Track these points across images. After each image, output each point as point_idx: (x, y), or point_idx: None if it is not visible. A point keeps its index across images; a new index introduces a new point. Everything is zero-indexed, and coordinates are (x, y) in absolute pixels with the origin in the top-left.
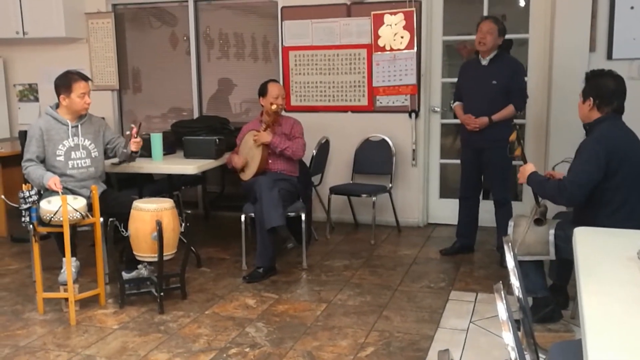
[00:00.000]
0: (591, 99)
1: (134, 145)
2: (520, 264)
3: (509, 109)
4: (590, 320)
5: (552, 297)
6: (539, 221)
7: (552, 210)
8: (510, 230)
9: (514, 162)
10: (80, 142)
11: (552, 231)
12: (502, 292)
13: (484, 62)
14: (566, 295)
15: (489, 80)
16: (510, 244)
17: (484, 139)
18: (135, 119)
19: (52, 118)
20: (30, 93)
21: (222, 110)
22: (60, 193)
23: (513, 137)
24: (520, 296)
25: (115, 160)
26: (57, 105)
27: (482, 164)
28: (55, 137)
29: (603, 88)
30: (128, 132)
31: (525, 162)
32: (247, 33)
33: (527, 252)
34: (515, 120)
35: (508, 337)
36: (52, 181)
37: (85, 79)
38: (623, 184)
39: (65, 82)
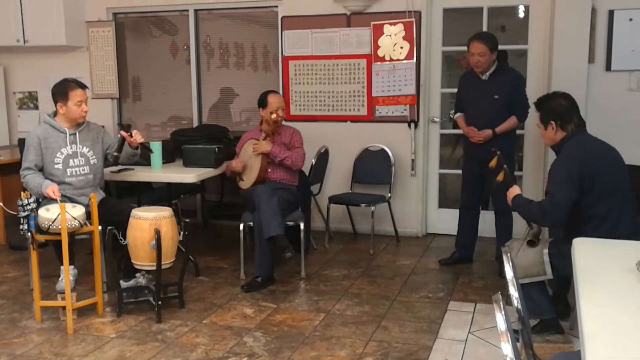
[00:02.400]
0: (552, 122)
1: (138, 137)
2: (523, 287)
3: (512, 121)
4: (589, 332)
5: (558, 320)
6: (532, 242)
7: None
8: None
9: (514, 173)
10: (78, 150)
11: (545, 250)
12: (501, 303)
13: (484, 77)
14: (567, 305)
15: (490, 95)
16: (509, 255)
17: (487, 150)
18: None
19: (50, 126)
20: (30, 101)
21: (222, 119)
22: (59, 201)
23: (493, 163)
24: (519, 307)
25: (115, 168)
26: (55, 114)
27: (485, 174)
28: (53, 145)
29: (557, 108)
30: (119, 135)
31: (510, 185)
32: (247, 42)
33: (525, 275)
34: (516, 131)
35: (507, 348)
36: (51, 189)
37: (82, 86)
38: (602, 196)
39: (62, 90)
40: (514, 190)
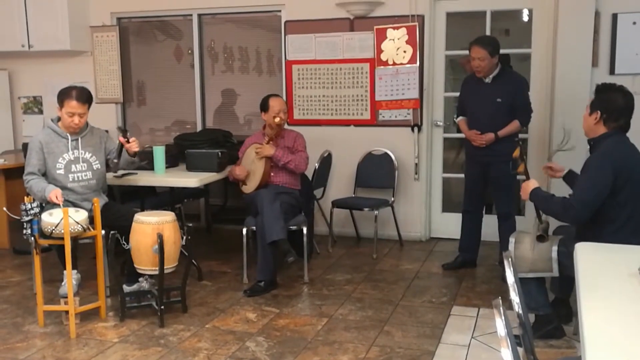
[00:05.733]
0: (598, 112)
1: (134, 145)
2: (522, 281)
3: (514, 125)
4: (590, 337)
5: (554, 314)
6: (541, 237)
7: (553, 224)
8: (511, 246)
9: (517, 177)
10: (80, 155)
11: (555, 248)
12: (501, 308)
13: (487, 80)
14: (569, 309)
15: (493, 98)
16: (510, 260)
17: (489, 153)
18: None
19: (52, 131)
20: (34, 105)
21: (226, 124)
22: (61, 206)
23: (516, 153)
24: (521, 312)
25: (119, 172)
26: (59, 118)
27: (487, 178)
28: (55, 150)
29: (612, 103)
30: (118, 142)
31: (528, 178)
32: (251, 47)
33: (530, 269)
34: (519, 135)
35: (506, 353)
36: (54, 194)
37: (81, 99)
38: (628, 200)
39: (61, 97)
40: (532, 184)
